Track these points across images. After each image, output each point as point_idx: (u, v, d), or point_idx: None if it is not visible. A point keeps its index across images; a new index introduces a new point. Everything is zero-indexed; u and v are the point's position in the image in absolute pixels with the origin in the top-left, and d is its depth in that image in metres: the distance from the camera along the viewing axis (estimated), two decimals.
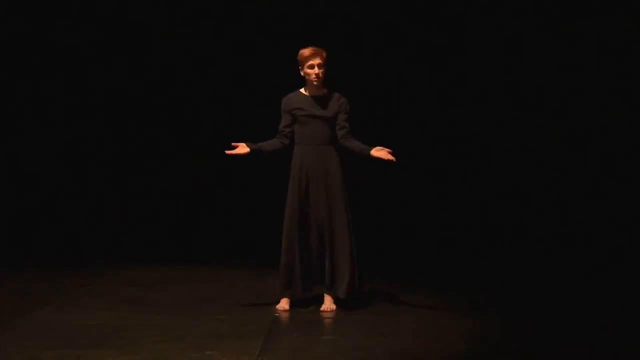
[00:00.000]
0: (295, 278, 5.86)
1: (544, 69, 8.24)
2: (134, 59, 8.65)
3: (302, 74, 5.86)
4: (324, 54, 5.80)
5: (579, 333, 5.47)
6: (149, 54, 8.65)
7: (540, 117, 8.28)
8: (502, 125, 8.34)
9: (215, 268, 7.58)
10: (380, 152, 5.64)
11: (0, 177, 8.66)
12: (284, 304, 5.88)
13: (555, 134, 8.25)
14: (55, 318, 5.58)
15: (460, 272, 7.55)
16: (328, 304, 5.88)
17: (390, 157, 5.61)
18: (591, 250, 7.93)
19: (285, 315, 5.78)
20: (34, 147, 8.71)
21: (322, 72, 5.80)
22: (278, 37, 8.36)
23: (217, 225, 8.59)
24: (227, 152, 5.77)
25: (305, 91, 5.91)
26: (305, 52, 5.79)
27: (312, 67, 5.78)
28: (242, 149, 5.79)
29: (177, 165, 8.70)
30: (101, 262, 7.74)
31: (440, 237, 8.36)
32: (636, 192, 8.03)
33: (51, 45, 8.61)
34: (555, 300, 6.46)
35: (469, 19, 8.33)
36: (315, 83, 5.83)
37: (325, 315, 5.80)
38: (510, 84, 8.34)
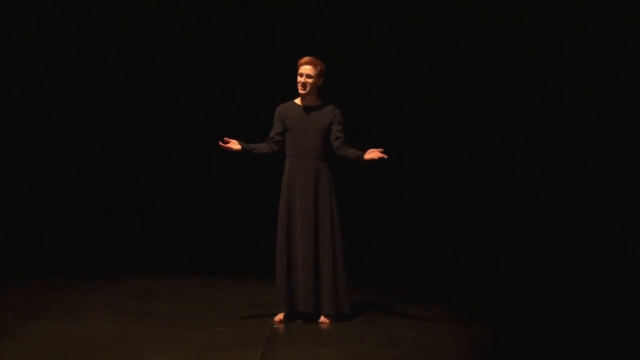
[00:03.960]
0: (290, 293, 5.83)
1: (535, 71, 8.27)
2: (134, 64, 8.66)
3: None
4: (319, 66, 5.81)
5: (580, 340, 5.46)
6: (156, 59, 8.66)
7: (531, 119, 8.26)
8: (498, 128, 8.33)
9: (214, 279, 7.57)
10: (372, 154, 5.66)
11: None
12: (281, 316, 5.87)
13: (553, 137, 8.24)
14: (54, 330, 5.56)
15: (459, 282, 7.54)
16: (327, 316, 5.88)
17: (381, 155, 5.62)
18: (589, 256, 7.92)
19: (284, 326, 5.77)
20: (34, 154, 8.71)
21: (309, 83, 5.80)
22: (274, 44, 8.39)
23: (217, 236, 8.57)
24: (220, 144, 5.77)
25: (300, 101, 5.92)
26: (301, 60, 5.83)
27: (300, 75, 5.81)
28: (234, 145, 5.80)
29: (176, 175, 8.68)
30: (100, 274, 7.73)
31: (439, 246, 8.33)
32: (631, 198, 8.03)
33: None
34: (555, 307, 6.46)
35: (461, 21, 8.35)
36: (300, 91, 5.84)
37: (324, 326, 5.79)
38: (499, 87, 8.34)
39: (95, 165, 8.72)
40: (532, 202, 8.29)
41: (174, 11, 8.63)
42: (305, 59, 5.82)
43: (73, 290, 6.97)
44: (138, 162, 8.69)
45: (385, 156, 5.61)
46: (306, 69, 5.79)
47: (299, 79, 5.81)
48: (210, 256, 8.42)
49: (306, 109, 5.87)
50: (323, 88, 5.92)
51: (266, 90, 8.16)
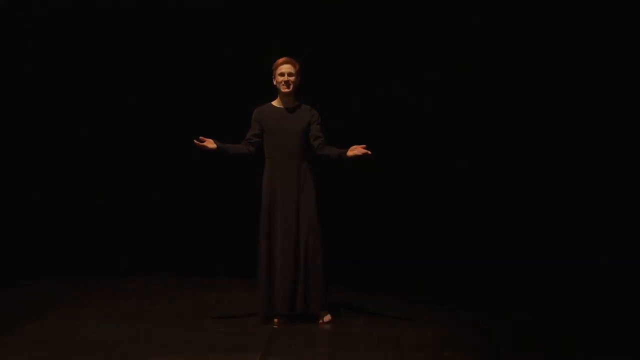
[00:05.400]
0: (270, 296, 5.81)
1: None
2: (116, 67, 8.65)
3: (274, 82, 5.91)
4: (297, 65, 5.86)
5: (581, 344, 5.45)
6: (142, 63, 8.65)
7: (526, 118, 8.27)
8: (492, 126, 8.32)
9: (214, 279, 7.57)
10: (355, 151, 5.66)
11: None
12: (277, 318, 5.86)
13: (549, 136, 8.24)
14: (53, 331, 5.56)
15: (459, 284, 7.53)
16: (325, 316, 5.87)
17: (365, 151, 5.62)
18: (591, 258, 7.91)
19: (284, 327, 5.77)
20: (34, 154, 8.70)
21: (292, 81, 5.84)
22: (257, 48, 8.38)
23: (216, 236, 8.57)
24: (195, 142, 5.78)
25: (277, 103, 5.94)
26: (279, 60, 5.87)
27: (282, 74, 5.85)
28: (210, 144, 5.81)
29: (175, 175, 8.68)
30: (99, 275, 7.73)
31: (438, 248, 8.32)
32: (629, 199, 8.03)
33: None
34: (557, 311, 6.44)
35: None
36: (284, 90, 5.86)
37: (324, 327, 5.79)
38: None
39: (94, 166, 8.71)
40: (529, 202, 8.30)
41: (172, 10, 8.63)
42: (284, 58, 5.88)
43: (73, 290, 6.97)
44: (138, 162, 8.69)
45: (369, 152, 5.62)
46: (287, 67, 5.84)
47: (281, 78, 5.85)
48: (210, 256, 8.41)
49: (284, 110, 5.92)
50: (299, 89, 5.95)
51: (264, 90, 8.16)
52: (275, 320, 5.83)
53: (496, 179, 8.35)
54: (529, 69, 8.21)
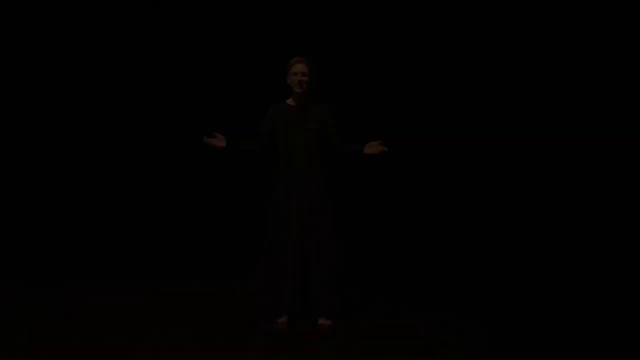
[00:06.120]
0: (278, 298, 5.79)
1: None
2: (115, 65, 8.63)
3: (288, 82, 5.91)
4: (311, 65, 5.86)
5: (576, 344, 5.45)
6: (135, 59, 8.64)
7: (518, 120, 8.29)
8: (491, 127, 8.33)
9: (213, 279, 7.57)
10: (372, 148, 5.68)
11: None
12: (284, 318, 5.84)
13: (545, 135, 8.25)
14: (53, 330, 5.56)
15: (459, 285, 7.53)
16: (322, 320, 5.85)
17: (382, 148, 5.63)
18: (589, 258, 7.92)
19: (286, 329, 5.76)
20: (32, 156, 8.71)
21: (305, 80, 5.84)
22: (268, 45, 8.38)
23: (215, 237, 8.56)
24: (205, 138, 5.77)
25: (291, 102, 5.94)
26: (292, 60, 5.88)
27: (295, 74, 5.85)
28: (220, 141, 5.80)
29: (174, 176, 8.67)
30: (98, 276, 7.73)
31: (438, 248, 8.33)
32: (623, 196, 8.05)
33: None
34: (553, 310, 6.45)
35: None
36: (297, 90, 5.86)
37: (325, 329, 5.77)
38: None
39: (92, 166, 8.71)
40: (525, 202, 8.30)
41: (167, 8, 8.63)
42: (298, 58, 5.88)
43: (72, 291, 6.97)
44: (136, 162, 8.68)
45: (386, 149, 5.61)
46: (301, 67, 5.85)
47: (294, 77, 5.85)
48: (210, 257, 8.41)
49: (298, 108, 5.92)
50: (312, 88, 5.96)
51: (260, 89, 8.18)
52: (280, 320, 5.82)
53: (494, 182, 8.36)
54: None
